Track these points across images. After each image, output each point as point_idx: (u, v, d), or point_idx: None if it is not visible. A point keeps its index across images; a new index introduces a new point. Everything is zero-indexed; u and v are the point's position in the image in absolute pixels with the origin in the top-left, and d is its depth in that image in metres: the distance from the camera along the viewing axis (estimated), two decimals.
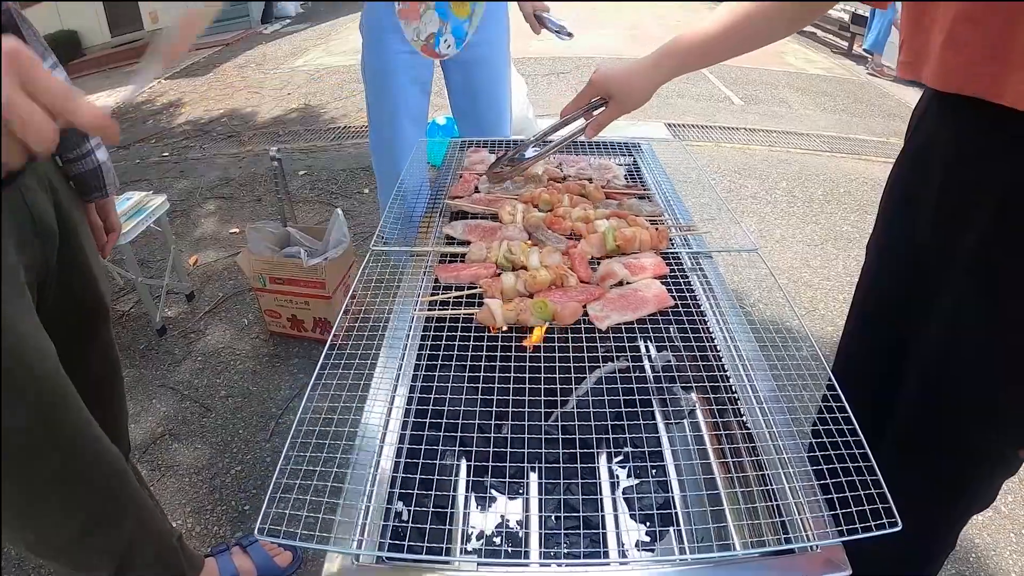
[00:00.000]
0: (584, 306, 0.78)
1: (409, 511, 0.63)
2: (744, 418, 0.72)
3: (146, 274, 2.64)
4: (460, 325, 0.76)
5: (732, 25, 0.90)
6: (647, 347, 0.89)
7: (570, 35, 1.96)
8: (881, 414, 0.89)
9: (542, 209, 0.98)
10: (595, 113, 0.99)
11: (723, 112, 4.67)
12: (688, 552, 0.69)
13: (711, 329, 0.82)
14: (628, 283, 0.82)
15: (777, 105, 4.92)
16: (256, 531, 0.57)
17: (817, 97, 5.21)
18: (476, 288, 0.79)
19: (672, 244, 0.93)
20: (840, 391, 0.70)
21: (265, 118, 4.76)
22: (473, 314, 0.76)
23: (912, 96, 5.04)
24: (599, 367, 0.83)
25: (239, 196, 3.51)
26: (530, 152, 1.06)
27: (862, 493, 0.58)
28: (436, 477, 0.66)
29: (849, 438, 0.62)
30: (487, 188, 1.07)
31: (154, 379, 2.20)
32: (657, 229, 0.91)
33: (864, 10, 7.01)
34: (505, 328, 0.75)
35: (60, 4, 7.72)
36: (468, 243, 0.91)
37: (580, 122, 1.01)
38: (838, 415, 0.65)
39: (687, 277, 0.88)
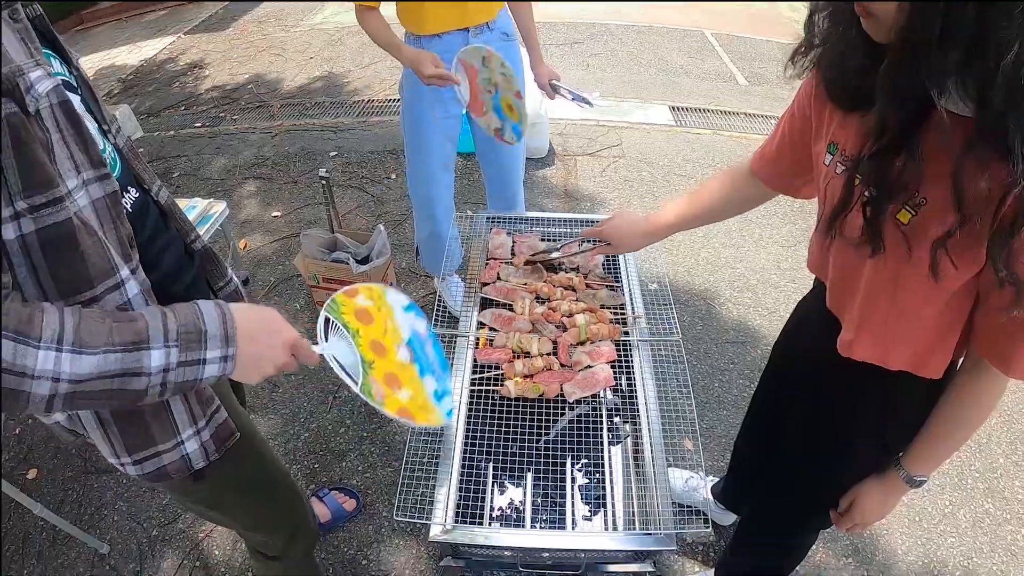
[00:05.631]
0: (561, 385, 1.41)
1: (460, 494, 1.27)
2: (641, 443, 1.36)
3: None
4: (491, 391, 1.40)
5: (689, 207, 1.43)
6: (605, 392, 1.51)
7: (590, 103, 2.37)
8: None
9: (541, 300, 1.59)
10: (598, 244, 1.60)
11: (726, 94, 5.07)
12: (612, 525, 1.34)
13: (636, 388, 1.45)
14: (590, 367, 1.44)
15: (780, 87, 5.29)
16: (395, 513, 1.22)
17: None
18: (500, 369, 1.43)
19: (625, 333, 1.54)
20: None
21: (290, 86, 5.22)
22: (498, 389, 1.39)
23: None
24: (573, 409, 1.45)
25: (276, 177, 4.04)
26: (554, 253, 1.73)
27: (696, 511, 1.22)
28: (472, 477, 1.30)
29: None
30: (507, 275, 1.68)
31: None
32: (614, 324, 1.53)
33: None
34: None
35: None
36: (494, 329, 1.53)
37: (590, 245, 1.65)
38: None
39: (629, 358, 1.50)
